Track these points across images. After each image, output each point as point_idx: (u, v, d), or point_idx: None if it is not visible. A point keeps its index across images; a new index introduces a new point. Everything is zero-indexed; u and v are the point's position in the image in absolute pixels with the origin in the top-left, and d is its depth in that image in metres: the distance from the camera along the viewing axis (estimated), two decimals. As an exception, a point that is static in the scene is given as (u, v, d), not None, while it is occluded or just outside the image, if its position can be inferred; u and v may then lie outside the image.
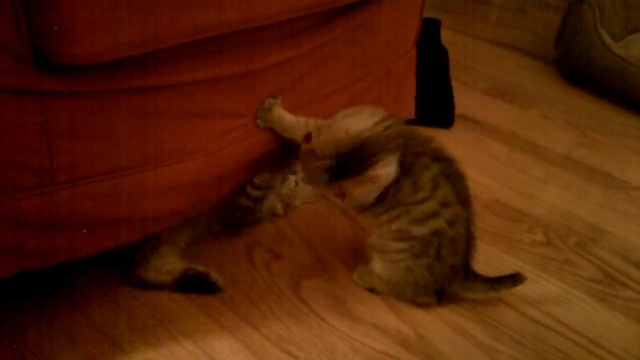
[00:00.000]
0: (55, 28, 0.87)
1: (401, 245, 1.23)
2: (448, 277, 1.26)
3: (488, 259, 1.44)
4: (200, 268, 1.32)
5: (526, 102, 2.12)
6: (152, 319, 1.25)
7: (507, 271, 1.41)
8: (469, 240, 1.26)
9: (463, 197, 1.23)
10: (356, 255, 1.42)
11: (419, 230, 1.21)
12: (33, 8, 0.86)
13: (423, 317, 1.30)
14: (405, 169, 1.18)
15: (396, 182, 1.18)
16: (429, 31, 1.93)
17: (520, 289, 1.37)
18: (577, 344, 1.27)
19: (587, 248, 1.52)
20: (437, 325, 1.29)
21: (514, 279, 1.29)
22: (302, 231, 1.49)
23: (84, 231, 1.06)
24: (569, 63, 2.29)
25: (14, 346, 1.17)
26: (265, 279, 1.36)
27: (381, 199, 1.20)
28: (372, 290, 1.34)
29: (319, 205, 1.56)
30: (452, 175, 1.22)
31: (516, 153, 1.84)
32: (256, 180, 1.35)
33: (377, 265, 1.30)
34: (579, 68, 2.24)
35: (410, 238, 1.22)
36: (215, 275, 1.31)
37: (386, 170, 1.16)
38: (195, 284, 1.30)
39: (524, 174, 1.77)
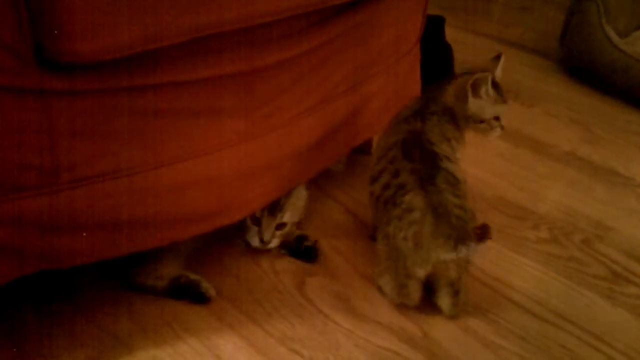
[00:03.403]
0: (57, 27, 0.87)
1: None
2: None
3: (493, 257, 1.44)
4: (192, 276, 1.30)
5: (530, 99, 2.11)
6: (156, 317, 1.25)
7: (512, 269, 1.42)
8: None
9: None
10: (359, 253, 1.42)
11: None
12: (35, 7, 0.86)
13: (427, 315, 1.29)
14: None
15: None
16: (434, 28, 1.92)
17: (525, 285, 1.37)
18: (582, 341, 1.27)
19: (592, 245, 1.51)
20: (441, 322, 1.29)
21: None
22: (305, 229, 1.48)
23: (84, 234, 1.05)
24: (574, 60, 2.28)
25: (14, 349, 1.17)
26: (269, 277, 1.36)
27: None
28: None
29: (322, 204, 1.56)
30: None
31: (520, 150, 1.84)
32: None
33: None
34: (583, 65, 2.23)
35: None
36: (205, 285, 1.30)
37: None
38: (185, 292, 1.29)
39: (528, 171, 1.76)
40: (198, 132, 1.12)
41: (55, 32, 0.88)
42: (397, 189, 1.22)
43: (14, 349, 1.17)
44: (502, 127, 1.36)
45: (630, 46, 2.11)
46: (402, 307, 1.31)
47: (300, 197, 1.39)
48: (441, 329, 1.27)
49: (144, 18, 0.94)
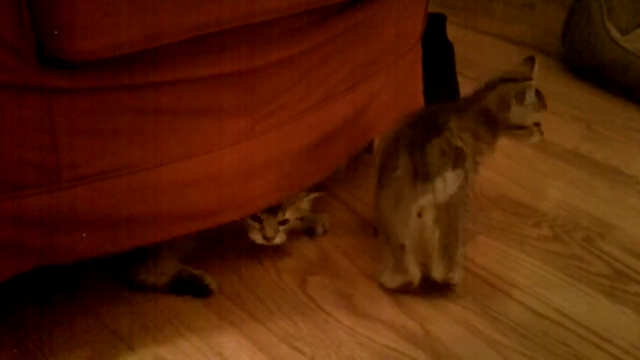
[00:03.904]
0: (57, 25, 0.87)
1: None
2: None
3: (494, 254, 1.44)
4: (193, 270, 1.31)
5: (532, 97, 2.11)
6: (158, 315, 1.25)
7: (513, 266, 1.41)
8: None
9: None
10: (361, 252, 1.42)
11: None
12: (36, 5, 0.86)
13: (429, 313, 1.30)
14: None
15: None
16: (435, 26, 1.92)
17: (526, 283, 1.37)
18: (584, 339, 1.27)
19: (594, 243, 1.51)
20: (443, 320, 1.29)
21: None
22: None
23: (84, 232, 1.06)
24: (576, 58, 2.28)
25: (14, 349, 1.17)
26: (271, 276, 1.36)
27: None
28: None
29: (324, 202, 1.56)
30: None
31: (522, 148, 1.83)
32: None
33: None
34: (585, 62, 2.23)
35: None
36: (208, 278, 1.30)
37: None
38: (188, 287, 1.29)
39: (530, 169, 1.76)
40: (198, 131, 1.12)
41: (56, 30, 0.88)
42: (392, 156, 1.24)
43: (14, 349, 1.17)
44: (541, 133, 1.36)
45: (631, 43, 2.10)
46: (404, 305, 1.31)
47: (301, 205, 1.39)
48: (443, 327, 1.27)
49: (144, 16, 0.94)
